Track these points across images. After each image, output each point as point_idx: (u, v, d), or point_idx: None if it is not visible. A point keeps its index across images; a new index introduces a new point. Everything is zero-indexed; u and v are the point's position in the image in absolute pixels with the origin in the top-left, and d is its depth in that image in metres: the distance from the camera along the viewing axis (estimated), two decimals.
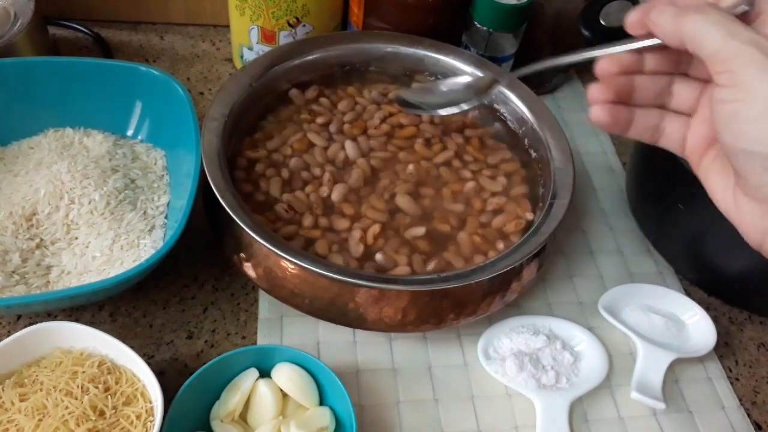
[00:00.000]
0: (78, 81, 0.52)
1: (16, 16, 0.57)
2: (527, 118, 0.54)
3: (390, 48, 0.58)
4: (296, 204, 0.47)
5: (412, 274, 0.45)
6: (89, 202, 0.47)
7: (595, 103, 0.33)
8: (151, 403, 0.39)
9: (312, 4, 0.59)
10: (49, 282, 0.45)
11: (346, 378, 0.44)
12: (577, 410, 0.46)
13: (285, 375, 0.41)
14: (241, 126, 0.51)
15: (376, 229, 0.46)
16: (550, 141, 0.52)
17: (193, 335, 0.47)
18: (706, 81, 0.32)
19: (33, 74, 0.52)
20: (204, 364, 0.40)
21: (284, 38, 0.61)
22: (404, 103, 0.52)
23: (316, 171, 0.50)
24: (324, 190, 0.49)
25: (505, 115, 0.56)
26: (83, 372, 0.39)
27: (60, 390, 0.38)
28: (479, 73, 0.55)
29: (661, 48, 0.31)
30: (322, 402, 0.42)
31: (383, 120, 0.54)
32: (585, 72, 0.74)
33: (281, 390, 0.41)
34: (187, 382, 0.39)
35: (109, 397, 0.38)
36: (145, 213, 0.49)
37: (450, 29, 0.63)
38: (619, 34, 0.55)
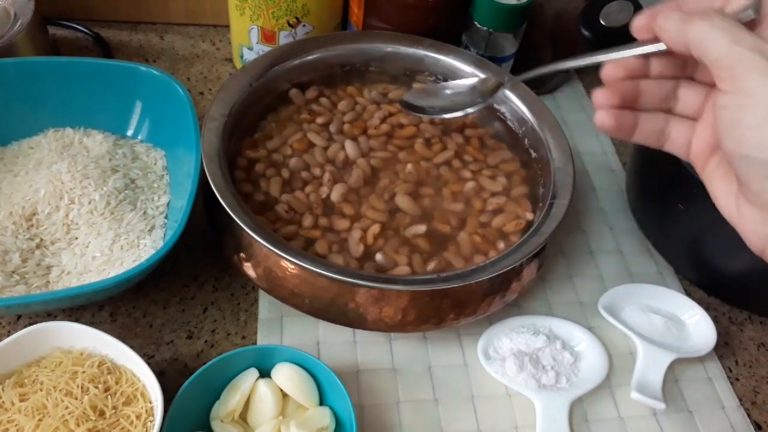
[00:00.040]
0: (78, 81, 0.52)
1: (16, 16, 0.57)
2: (527, 118, 0.54)
3: (390, 48, 0.58)
4: (296, 204, 0.47)
5: (412, 274, 0.45)
6: (89, 202, 0.47)
7: (601, 108, 0.33)
8: (151, 403, 0.39)
9: (312, 4, 0.59)
10: (49, 282, 0.45)
11: (346, 378, 0.44)
12: (577, 410, 0.46)
13: (285, 375, 0.41)
14: (241, 126, 0.51)
15: (375, 229, 0.46)
16: (550, 141, 0.52)
17: (193, 335, 0.47)
18: (712, 85, 0.32)
19: (33, 74, 0.52)
20: (204, 364, 0.40)
21: (284, 38, 0.61)
22: (409, 107, 0.51)
23: (316, 171, 0.50)
24: (324, 190, 0.49)
25: (505, 115, 0.56)
26: (83, 372, 0.39)
27: (60, 390, 0.38)
28: (480, 74, 0.55)
29: (667, 53, 0.31)
30: (322, 402, 0.42)
31: (383, 120, 0.54)
32: (585, 72, 0.74)
33: (281, 390, 0.41)
34: (187, 382, 0.39)
35: (109, 397, 0.38)
36: (145, 213, 0.49)
37: (450, 29, 0.63)
38: (619, 34, 0.56)
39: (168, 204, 0.50)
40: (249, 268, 0.46)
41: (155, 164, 0.53)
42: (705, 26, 0.28)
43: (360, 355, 0.47)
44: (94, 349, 0.41)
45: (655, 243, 0.57)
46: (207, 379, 0.40)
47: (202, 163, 0.45)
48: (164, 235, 0.48)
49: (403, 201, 0.49)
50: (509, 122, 0.56)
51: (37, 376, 0.39)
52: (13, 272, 0.45)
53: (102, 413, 0.38)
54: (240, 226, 0.41)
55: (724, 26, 0.27)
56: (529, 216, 0.49)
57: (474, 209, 0.50)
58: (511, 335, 0.48)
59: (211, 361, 0.40)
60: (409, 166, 0.51)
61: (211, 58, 0.69)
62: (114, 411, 0.38)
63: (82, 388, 0.38)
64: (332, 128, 0.53)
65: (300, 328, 0.48)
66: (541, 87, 0.69)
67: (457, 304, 0.46)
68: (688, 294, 0.54)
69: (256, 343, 0.47)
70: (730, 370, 0.51)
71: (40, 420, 0.37)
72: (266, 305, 0.49)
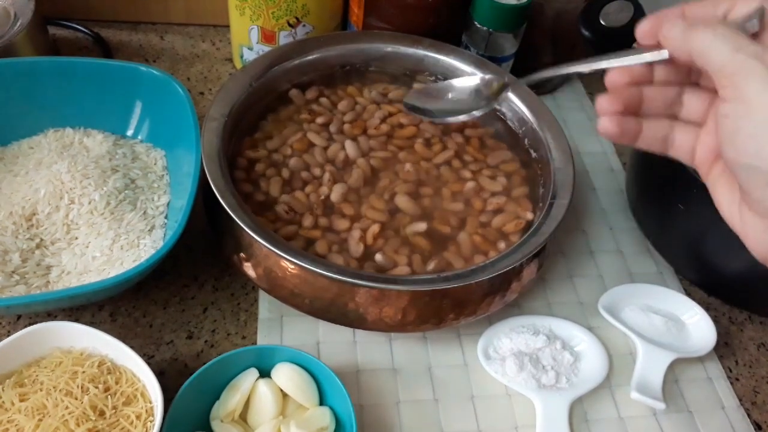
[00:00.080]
0: (78, 81, 0.52)
1: (16, 16, 0.57)
2: (527, 118, 0.54)
3: (390, 48, 0.58)
4: (296, 205, 0.47)
5: (412, 274, 0.45)
6: (89, 202, 0.47)
7: (604, 115, 0.33)
8: (151, 403, 0.39)
9: (312, 4, 0.59)
10: (49, 282, 0.45)
11: (346, 378, 0.44)
12: (577, 410, 0.46)
13: (285, 375, 0.41)
14: (241, 126, 0.51)
15: (375, 229, 0.46)
16: (550, 141, 0.52)
17: (193, 335, 0.47)
18: (716, 91, 0.33)
19: (33, 74, 0.52)
20: (204, 364, 0.40)
21: (284, 38, 0.61)
22: (413, 109, 0.51)
23: (316, 171, 0.50)
24: (324, 190, 0.49)
25: (505, 114, 0.56)
26: (83, 372, 0.39)
27: (60, 390, 0.38)
28: (480, 73, 0.55)
29: (672, 60, 0.31)
30: (322, 402, 0.42)
31: (383, 120, 0.54)
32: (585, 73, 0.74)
33: (281, 390, 0.41)
34: (187, 382, 0.39)
35: (109, 397, 0.38)
36: (145, 213, 0.49)
37: (450, 29, 0.63)
38: (619, 34, 0.56)
39: (168, 204, 0.50)
40: (249, 268, 0.46)
41: (155, 164, 0.53)
42: (708, 35, 0.28)
43: (360, 355, 0.47)
44: (94, 349, 0.41)
45: (655, 243, 0.57)
46: (207, 379, 0.40)
47: (202, 163, 0.45)
48: (164, 235, 0.48)
49: (402, 201, 0.49)
50: (509, 122, 0.56)
51: (37, 376, 0.39)
52: (13, 272, 0.45)
53: (102, 413, 0.38)
54: (240, 226, 0.41)
55: (726, 35, 0.27)
56: (529, 216, 0.49)
57: (474, 209, 0.50)
58: (511, 335, 0.48)
59: (211, 361, 0.40)
60: (408, 165, 0.51)
61: (211, 58, 0.69)
62: (114, 411, 0.38)
63: (82, 388, 0.38)
64: (332, 128, 0.53)
65: (300, 328, 0.48)
66: (541, 87, 0.69)
67: (457, 304, 0.46)
68: (688, 294, 0.54)
69: (256, 343, 0.47)
70: (730, 370, 0.51)
71: (40, 420, 0.37)
72: (266, 305, 0.49)
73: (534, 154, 0.53)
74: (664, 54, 0.31)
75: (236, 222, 0.42)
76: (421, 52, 0.58)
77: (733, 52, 0.27)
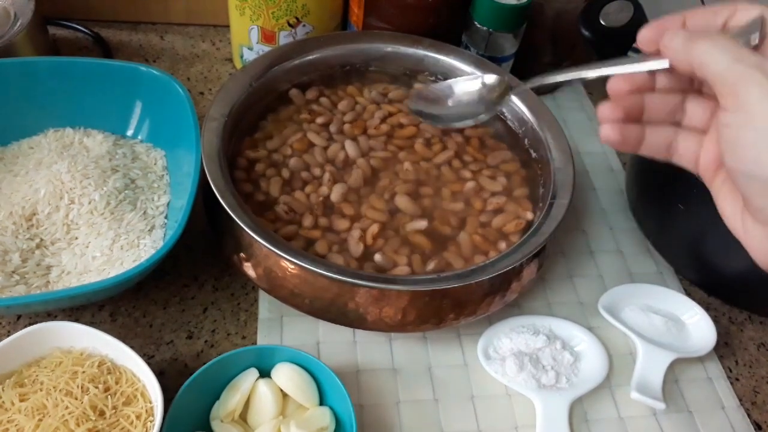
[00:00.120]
0: (78, 81, 0.52)
1: (16, 16, 0.57)
2: (527, 118, 0.54)
3: (390, 48, 0.58)
4: (296, 205, 0.47)
5: (411, 274, 0.45)
6: (89, 202, 0.47)
7: (605, 122, 0.33)
8: (151, 403, 0.39)
9: (312, 4, 0.59)
10: (49, 282, 0.45)
11: (346, 378, 0.44)
12: (577, 410, 0.46)
13: (285, 375, 0.41)
14: (241, 126, 0.51)
15: (374, 229, 0.46)
16: (550, 141, 0.52)
17: (193, 335, 0.47)
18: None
19: (33, 74, 0.52)
20: (204, 364, 0.40)
21: (284, 38, 0.61)
22: (421, 114, 0.49)
23: (316, 171, 0.50)
24: (324, 190, 0.49)
25: (505, 114, 0.56)
26: (83, 372, 0.39)
27: (60, 390, 0.38)
28: (482, 75, 0.53)
29: (673, 68, 0.31)
30: (322, 402, 0.42)
31: (383, 120, 0.54)
32: None
33: (281, 390, 0.41)
34: (187, 382, 0.39)
35: (109, 397, 0.38)
36: (145, 213, 0.49)
37: (450, 29, 0.63)
38: (619, 34, 0.56)
39: (168, 204, 0.50)
40: (249, 268, 0.46)
41: (155, 164, 0.53)
42: (707, 46, 0.28)
43: (360, 355, 0.47)
44: (94, 349, 0.41)
45: (655, 243, 0.57)
46: (207, 379, 0.40)
47: (202, 163, 0.45)
48: (164, 235, 0.48)
49: (402, 201, 0.49)
50: (509, 122, 0.56)
51: (37, 376, 0.39)
52: (13, 272, 0.45)
53: (102, 413, 0.38)
54: (240, 226, 0.41)
55: (726, 46, 0.28)
56: (529, 216, 0.49)
57: (474, 209, 0.50)
58: (511, 335, 0.48)
59: (211, 361, 0.40)
60: (407, 164, 0.51)
61: (211, 58, 0.69)
62: (114, 411, 0.38)
63: (82, 388, 0.38)
64: (332, 128, 0.53)
65: (300, 328, 0.48)
66: (540, 87, 0.69)
67: (457, 304, 0.46)
68: (688, 294, 0.54)
69: (256, 343, 0.47)
70: (730, 370, 0.51)
71: (40, 420, 0.37)
72: (266, 305, 0.49)
73: (534, 154, 0.53)
74: (665, 62, 0.31)
75: (236, 222, 0.42)
76: (421, 52, 0.58)
77: (733, 62, 0.27)
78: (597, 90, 0.72)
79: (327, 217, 0.47)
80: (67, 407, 0.37)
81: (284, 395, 0.41)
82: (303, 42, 0.57)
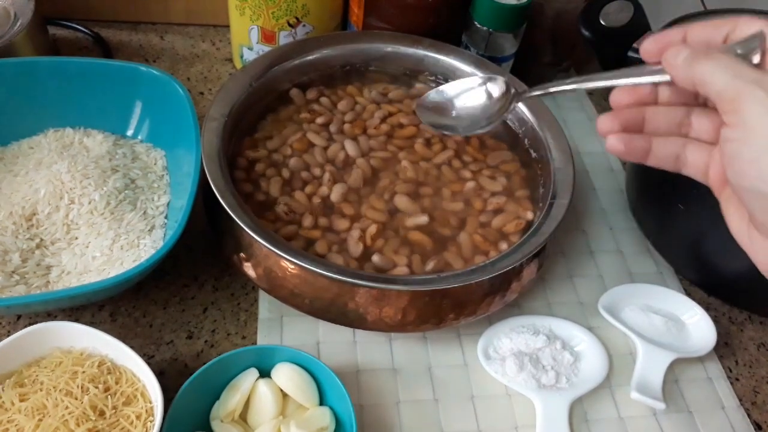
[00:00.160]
0: (78, 81, 0.52)
1: (16, 16, 0.57)
2: (527, 118, 0.54)
3: (390, 48, 0.58)
4: (295, 206, 0.47)
5: (411, 274, 0.45)
6: (89, 202, 0.47)
7: (604, 134, 0.34)
8: (151, 403, 0.39)
9: (312, 4, 0.59)
10: (49, 282, 0.45)
11: (346, 378, 0.44)
12: (577, 410, 0.46)
13: (285, 375, 0.41)
14: (241, 126, 0.51)
15: (372, 229, 0.46)
16: (550, 141, 0.52)
17: (193, 335, 0.47)
18: None
19: (33, 74, 0.52)
20: (204, 364, 0.40)
21: (284, 38, 0.61)
22: (432, 125, 0.48)
23: (316, 171, 0.50)
24: (324, 190, 0.49)
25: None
26: (83, 372, 0.39)
27: (60, 390, 0.38)
28: (488, 82, 0.51)
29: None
30: (322, 402, 0.42)
31: (383, 120, 0.54)
32: (585, 73, 0.74)
33: (281, 390, 0.41)
34: (187, 382, 0.39)
35: (109, 397, 0.38)
36: (145, 213, 0.49)
37: (450, 29, 0.63)
38: (619, 34, 0.55)
39: (168, 204, 0.50)
40: (249, 268, 0.46)
41: (155, 164, 0.53)
42: (709, 65, 0.28)
43: (360, 355, 0.47)
44: (94, 349, 0.41)
45: (655, 243, 0.57)
46: (207, 379, 0.40)
47: (202, 163, 0.45)
48: (164, 235, 0.48)
49: (402, 201, 0.49)
50: (509, 122, 0.56)
51: (37, 376, 0.39)
52: (13, 272, 0.45)
53: (102, 413, 0.38)
54: (240, 226, 0.41)
55: (727, 63, 0.28)
56: (529, 216, 0.49)
57: (474, 209, 0.50)
58: (511, 335, 0.48)
59: (211, 361, 0.40)
60: (405, 162, 0.51)
61: (211, 58, 0.69)
62: (114, 411, 0.38)
63: (82, 388, 0.38)
64: (332, 128, 0.53)
65: (300, 328, 0.48)
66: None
67: (457, 304, 0.46)
68: (688, 294, 0.54)
69: (256, 343, 0.47)
70: (730, 370, 0.51)
71: (40, 420, 0.37)
72: (266, 305, 0.49)
73: (534, 154, 0.53)
74: (668, 76, 0.31)
75: (236, 222, 0.42)
76: (421, 52, 0.58)
77: (733, 78, 0.27)
78: (597, 91, 0.72)
79: (327, 217, 0.47)
80: (67, 407, 0.37)
81: (284, 395, 0.41)
82: (303, 42, 0.57)
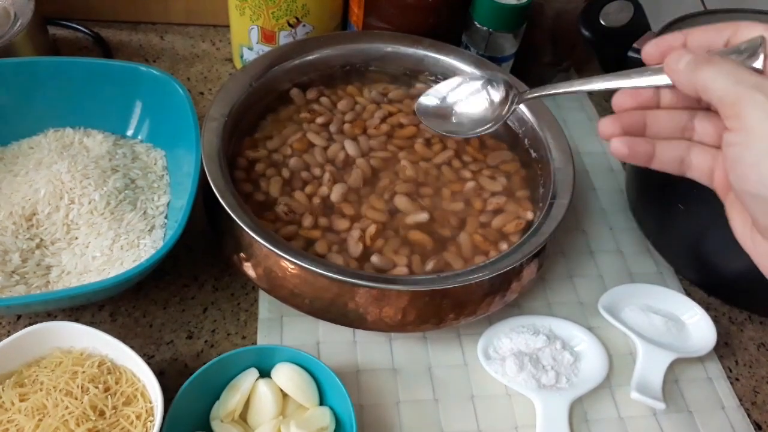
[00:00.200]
0: (78, 81, 0.52)
1: (16, 16, 0.57)
2: (527, 118, 0.54)
3: (390, 48, 0.58)
4: (295, 206, 0.47)
5: (411, 274, 0.45)
6: (89, 202, 0.47)
7: (606, 137, 0.34)
8: (151, 403, 0.39)
9: (312, 4, 0.59)
10: (49, 282, 0.45)
11: (346, 378, 0.44)
12: (577, 410, 0.46)
13: (285, 375, 0.41)
14: (241, 126, 0.51)
15: (372, 229, 0.46)
16: (550, 141, 0.52)
17: (193, 335, 0.47)
18: None
19: (33, 74, 0.52)
20: (204, 364, 0.40)
21: (284, 38, 0.61)
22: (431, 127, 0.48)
23: (316, 171, 0.50)
24: (324, 190, 0.49)
25: None
26: (83, 372, 0.39)
27: (60, 390, 0.38)
28: (490, 85, 0.50)
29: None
30: (322, 402, 0.42)
31: (383, 120, 0.54)
32: (585, 73, 0.74)
33: (281, 390, 0.41)
34: (187, 382, 0.39)
35: (109, 397, 0.38)
36: (145, 213, 0.49)
37: (450, 29, 0.63)
38: (619, 34, 0.55)
39: (168, 204, 0.50)
40: (249, 268, 0.46)
41: (155, 164, 0.53)
42: (711, 71, 0.29)
43: (360, 355, 0.47)
44: (94, 349, 0.41)
45: (655, 243, 0.57)
46: (207, 379, 0.40)
47: (202, 163, 0.45)
48: (164, 235, 0.48)
49: (402, 201, 0.49)
50: (509, 122, 0.55)
51: (37, 376, 0.39)
52: (13, 272, 0.45)
53: (102, 413, 0.38)
54: (240, 226, 0.41)
55: (728, 69, 0.28)
56: (529, 216, 0.49)
57: (474, 209, 0.50)
58: (511, 335, 0.48)
59: (211, 361, 0.40)
60: (404, 162, 0.51)
61: (211, 58, 0.69)
62: (114, 411, 0.38)
63: (82, 388, 0.38)
64: (332, 128, 0.53)
65: (300, 328, 0.48)
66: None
67: (457, 304, 0.46)
68: (688, 294, 0.54)
69: (256, 343, 0.47)
70: (730, 370, 0.51)
71: (40, 420, 0.37)
72: (266, 305, 0.49)
73: (534, 154, 0.53)
74: (670, 81, 0.31)
75: (236, 222, 0.42)
76: (421, 52, 0.58)
77: (734, 84, 0.28)
78: (597, 91, 0.72)
79: (327, 217, 0.47)
80: (67, 407, 0.37)
81: (284, 395, 0.41)
82: (303, 42, 0.57)
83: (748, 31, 0.30)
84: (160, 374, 0.43)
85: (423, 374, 0.47)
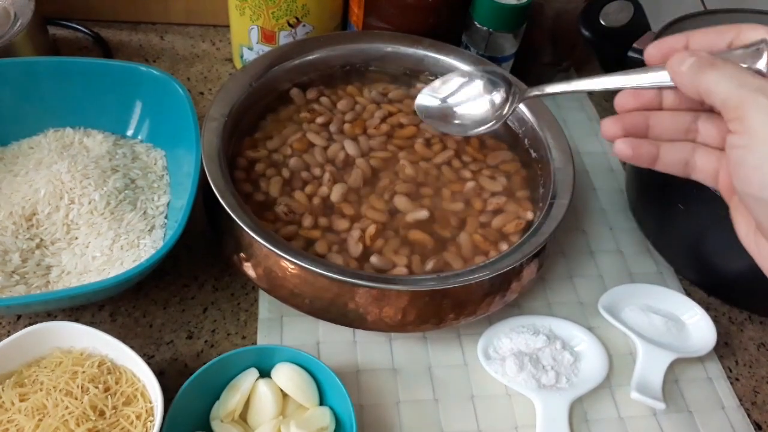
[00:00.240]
0: (78, 81, 0.52)
1: (16, 16, 0.57)
2: (527, 118, 0.54)
3: (390, 48, 0.58)
4: (296, 206, 0.47)
5: (410, 275, 0.45)
6: (89, 202, 0.47)
7: (609, 138, 0.34)
8: (151, 403, 0.39)
9: (312, 4, 0.59)
10: (49, 282, 0.45)
11: (346, 378, 0.44)
12: (577, 410, 0.46)
13: (285, 375, 0.41)
14: (241, 126, 0.51)
15: (371, 230, 0.46)
16: (550, 141, 0.52)
17: (193, 335, 0.47)
18: None
19: (33, 74, 0.52)
20: (204, 364, 0.40)
21: (284, 38, 0.61)
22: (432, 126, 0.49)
23: (316, 171, 0.50)
24: (324, 190, 0.49)
25: None
26: (83, 372, 0.39)
27: (60, 390, 0.38)
28: (493, 88, 0.49)
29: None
30: (322, 402, 0.42)
31: (383, 120, 0.54)
32: (585, 73, 0.74)
33: (281, 390, 0.41)
34: (187, 382, 0.39)
35: (109, 397, 0.38)
36: (145, 213, 0.49)
37: (450, 29, 0.63)
38: (619, 34, 0.55)
39: (168, 204, 0.50)
40: (249, 268, 0.46)
41: (155, 164, 0.53)
42: (714, 75, 0.29)
43: (360, 355, 0.47)
44: (94, 349, 0.41)
45: (655, 243, 0.57)
46: (207, 379, 0.40)
47: (202, 163, 0.45)
48: (164, 235, 0.48)
49: (402, 201, 0.49)
50: (509, 122, 0.55)
51: (37, 376, 0.39)
52: (13, 272, 0.45)
53: (102, 413, 0.38)
54: (240, 226, 0.41)
55: (732, 73, 0.28)
56: (529, 216, 0.49)
57: (474, 209, 0.50)
58: (511, 335, 0.48)
59: (211, 361, 0.40)
60: (403, 161, 0.51)
61: (211, 58, 0.69)
62: (114, 411, 0.38)
63: (82, 388, 0.38)
64: (332, 128, 0.53)
65: (300, 328, 0.48)
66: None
67: (457, 304, 0.46)
68: (688, 294, 0.54)
69: (256, 343, 0.47)
70: (730, 370, 0.51)
71: (40, 420, 0.37)
72: (266, 305, 0.49)
73: (534, 154, 0.53)
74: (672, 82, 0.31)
75: (236, 222, 0.42)
76: (421, 52, 0.58)
77: (737, 87, 0.28)
78: (600, 90, 0.72)
79: (327, 217, 0.47)
80: (67, 407, 0.37)
81: (284, 395, 0.41)
82: (303, 42, 0.57)
83: (750, 33, 0.30)
84: (160, 374, 0.43)
85: (423, 374, 0.47)
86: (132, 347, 0.39)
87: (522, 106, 0.54)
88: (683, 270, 0.56)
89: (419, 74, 0.58)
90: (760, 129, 0.27)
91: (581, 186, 0.62)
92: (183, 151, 0.49)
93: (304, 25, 0.60)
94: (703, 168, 0.34)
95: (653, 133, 0.34)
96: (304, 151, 0.51)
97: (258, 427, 0.40)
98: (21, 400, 0.38)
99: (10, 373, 0.40)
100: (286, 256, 0.41)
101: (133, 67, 0.53)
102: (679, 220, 0.52)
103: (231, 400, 0.40)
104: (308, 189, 0.49)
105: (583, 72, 0.74)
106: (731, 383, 0.50)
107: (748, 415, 0.48)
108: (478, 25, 0.60)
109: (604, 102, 0.71)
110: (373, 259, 0.45)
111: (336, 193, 0.48)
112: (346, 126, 0.53)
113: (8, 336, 0.39)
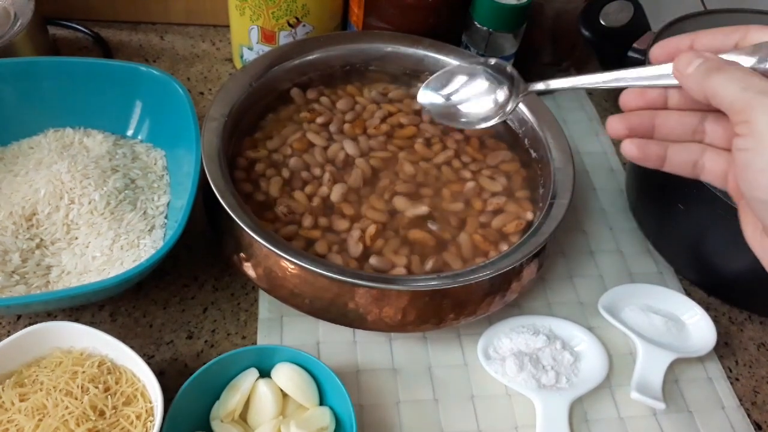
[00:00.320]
0: (78, 81, 0.52)
1: (16, 16, 0.57)
2: (527, 118, 0.54)
3: (390, 48, 0.58)
4: (296, 206, 0.47)
5: (410, 274, 0.45)
6: (89, 202, 0.47)
7: (615, 136, 0.34)
8: (151, 403, 0.39)
9: (312, 4, 0.59)
10: (49, 282, 0.45)
11: (346, 378, 0.44)
12: (577, 410, 0.46)
13: (285, 375, 0.41)
14: (241, 126, 0.51)
15: (372, 230, 0.46)
16: (550, 141, 0.52)
17: (193, 335, 0.47)
18: None
19: (33, 74, 0.52)
20: (204, 364, 0.40)
21: (284, 38, 0.61)
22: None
23: (316, 171, 0.50)
24: (324, 190, 0.49)
25: None
26: (83, 372, 0.39)
27: (60, 390, 0.38)
28: (495, 83, 0.50)
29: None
30: (322, 402, 0.42)
31: (383, 120, 0.54)
32: (585, 73, 0.73)
33: (281, 390, 0.41)
34: (187, 382, 0.39)
35: (109, 397, 0.38)
36: (145, 213, 0.49)
37: (450, 29, 0.63)
38: (619, 34, 0.55)
39: (168, 204, 0.50)
40: (249, 268, 0.46)
41: (155, 164, 0.53)
42: (721, 78, 0.29)
43: (360, 355, 0.47)
44: (94, 349, 0.41)
45: (655, 243, 0.57)
46: (207, 379, 0.40)
47: (202, 163, 0.45)
48: (164, 235, 0.48)
49: (402, 201, 0.49)
50: (509, 122, 0.56)
51: (37, 376, 0.39)
52: (13, 272, 0.45)
53: (102, 413, 0.38)
54: (240, 226, 0.41)
55: (738, 76, 0.28)
56: (529, 216, 0.49)
57: (474, 209, 0.50)
58: (511, 335, 0.48)
59: (211, 361, 0.40)
60: (402, 159, 0.51)
61: (211, 58, 0.69)
62: (114, 411, 0.38)
63: (82, 388, 0.38)
64: (332, 128, 0.53)
65: (300, 328, 0.48)
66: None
67: (457, 304, 0.46)
68: (688, 294, 0.54)
69: (256, 343, 0.47)
70: (730, 370, 0.51)
71: (40, 420, 0.37)
72: (266, 305, 0.49)
73: (534, 154, 0.53)
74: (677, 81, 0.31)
75: (236, 222, 0.42)
76: (421, 52, 0.58)
77: (743, 90, 0.28)
78: (597, 90, 0.72)
79: (327, 217, 0.47)
80: (67, 407, 0.37)
81: (284, 395, 0.41)
82: (303, 42, 0.57)
83: (757, 35, 0.30)
84: (160, 374, 0.43)
85: (423, 374, 0.47)
86: (132, 347, 0.39)
87: (522, 106, 0.54)
88: (683, 270, 0.56)
89: (419, 74, 0.58)
90: (766, 132, 0.27)
91: (581, 186, 0.62)
92: (183, 151, 0.49)
93: (304, 25, 0.60)
94: (711, 169, 0.33)
95: (659, 134, 0.34)
96: (304, 151, 0.51)
97: (258, 427, 0.40)
98: (21, 400, 0.38)
99: (10, 373, 0.40)
100: (286, 256, 0.41)
101: (133, 67, 0.53)
102: (679, 220, 0.52)
103: (231, 400, 0.40)
104: (308, 189, 0.49)
105: (583, 72, 0.73)
106: (731, 383, 0.50)
107: (748, 415, 0.48)
108: (478, 25, 0.60)
109: (604, 102, 0.71)
110: (373, 259, 0.45)
111: (336, 193, 0.48)
112: (346, 126, 0.53)
113: (8, 336, 0.39)
